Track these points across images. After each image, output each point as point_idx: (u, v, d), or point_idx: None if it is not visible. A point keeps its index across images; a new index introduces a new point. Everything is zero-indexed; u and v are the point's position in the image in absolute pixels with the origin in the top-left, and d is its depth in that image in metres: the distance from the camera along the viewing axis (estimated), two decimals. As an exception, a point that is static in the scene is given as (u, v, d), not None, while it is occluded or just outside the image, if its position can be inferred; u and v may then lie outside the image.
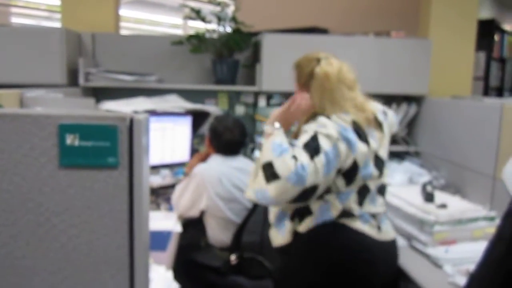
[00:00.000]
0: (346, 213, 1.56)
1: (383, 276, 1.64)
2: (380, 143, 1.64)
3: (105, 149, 0.79)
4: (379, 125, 1.66)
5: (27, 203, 0.81)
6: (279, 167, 1.41)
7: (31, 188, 0.80)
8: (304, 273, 1.60)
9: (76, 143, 0.78)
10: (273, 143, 1.48)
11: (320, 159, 1.43)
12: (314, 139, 1.46)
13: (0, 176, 0.80)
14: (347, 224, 1.57)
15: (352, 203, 1.56)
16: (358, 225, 1.57)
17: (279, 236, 1.66)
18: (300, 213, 1.60)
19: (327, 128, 1.49)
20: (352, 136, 1.51)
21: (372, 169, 1.58)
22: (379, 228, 1.61)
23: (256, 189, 1.47)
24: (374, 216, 1.61)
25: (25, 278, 0.83)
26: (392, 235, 1.68)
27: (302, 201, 1.49)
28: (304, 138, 1.48)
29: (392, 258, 1.68)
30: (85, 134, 0.78)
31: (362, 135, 1.55)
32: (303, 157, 1.42)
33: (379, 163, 1.62)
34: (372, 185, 1.61)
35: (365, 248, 1.57)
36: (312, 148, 1.44)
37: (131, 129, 0.80)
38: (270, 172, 1.43)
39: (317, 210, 1.56)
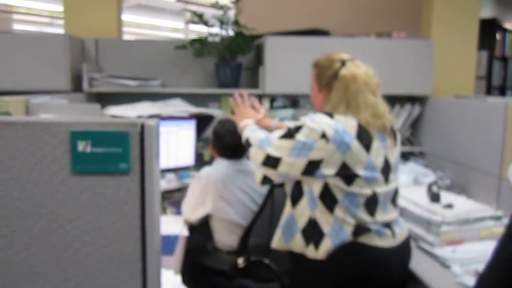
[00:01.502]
0: (361, 228, 1.53)
1: (397, 277, 1.65)
2: (391, 150, 1.64)
3: (117, 155, 0.79)
4: (394, 134, 1.68)
5: (40, 210, 0.81)
6: (252, 138, 1.71)
7: (43, 195, 0.81)
8: (317, 281, 1.59)
9: (88, 149, 0.79)
10: (251, 129, 1.79)
11: (289, 142, 1.56)
12: (297, 128, 1.57)
13: (13, 183, 0.80)
14: (365, 243, 1.54)
15: (363, 215, 1.54)
16: (375, 241, 1.55)
17: (282, 241, 1.65)
18: (314, 237, 1.56)
19: (316, 123, 1.54)
20: (348, 139, 1.51)
21: (377, 174, 1.56)
22: (393, 234, 1.60)
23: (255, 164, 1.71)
24: (387, 224, 1.59)
25: (38, 285, 0.83)
26: (405, 232, 1.67)
27: (271, 167, 1.60)
28: (292, 124, 1.61)
29: (406, 258, 1.68)
30: (96, 140, 0.79)
31: (364, 139, 1.55)
32: (276, 134, 1.63)
33: (386, 169, 1.60)
34: (381, 193, 1.58)
35: (382, 260, 1.56)
36: (289, 133, 1.58)
37: (142, 135, 0.80)
38: (247, 145, 1.72)
39: (330, 231, 1.54)
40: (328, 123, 1.53)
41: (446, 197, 2.09)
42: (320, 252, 1.55)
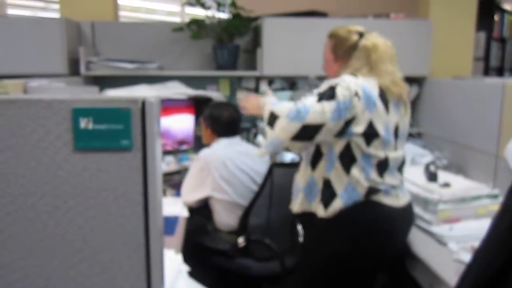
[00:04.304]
0: (372, 190, 1.60)
1: (401, 237, 1.73)
2: (402, 119, 1.70)
3: (119, 131, 0.80)
4: (405, 103, 1.73)
5: (44, 187, 0.83)
6: (278, 110, 1.59)
7: (47, 172, 0.82)
8: (331, 243, 1.65)
9: (90, 126, 0.80)
10: (270, 103, 1.67)
11: (331, 104, 1.52)
12: (331, 89, 1.55)
13: (17, 161, 0.81)
14: (374, 200, 1.62)
15: (375, 176, 1.60)
16: (383, 199, 1.63)
17: (305, 203, 1.69)
18: (325, 197, 1.62)
19: (348, 82, 1.56)
20: (374, 97, 1.57)
21: (391, 138, 1.63)
22: (397, 196, 1.67)
23: (267, 143, 1.63)
24: (393, 187, 1.67)
25: (44, 260, 0.85)
26: (408, 197, 1.74)
27: (306, 140, 1.56)
28: (322, 88, 1.58)
29: (409, 221, 1.75)
30: (98, 117, 0.80)
31: (384, 101, 1.61)
32: (309, 100, 1.55)
33: (396, 135, 1.67)
34: (391, 158, 1.64)
35: (388, 216, 1.64)
36: (327, 95, 1.54)
37: (143, 111, 0.81)
38: (272, 118, 1.59)
39: (342, 193, 1.59)
40: (356, 82, 1.57)
41: (443, 176, 2.10)
42: (329, 211, 1.61)
